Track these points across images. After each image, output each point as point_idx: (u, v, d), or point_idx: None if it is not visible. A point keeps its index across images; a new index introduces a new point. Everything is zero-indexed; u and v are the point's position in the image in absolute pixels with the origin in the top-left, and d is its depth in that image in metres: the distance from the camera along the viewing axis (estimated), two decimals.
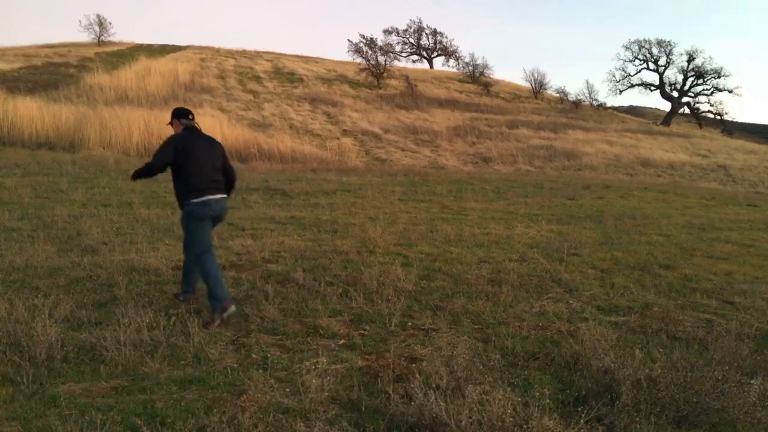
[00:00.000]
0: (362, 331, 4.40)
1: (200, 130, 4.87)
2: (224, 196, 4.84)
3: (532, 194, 13.07)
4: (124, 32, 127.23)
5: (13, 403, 3.19)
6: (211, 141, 4.89)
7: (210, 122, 18.27)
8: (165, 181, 11.58)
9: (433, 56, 54.40)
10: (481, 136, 24.86)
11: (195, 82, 27.81)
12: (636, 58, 43.79)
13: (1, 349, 3.71)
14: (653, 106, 73.98)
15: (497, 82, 43.33)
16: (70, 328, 4.17)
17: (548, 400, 3.14)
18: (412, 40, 54.20)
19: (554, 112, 35.59)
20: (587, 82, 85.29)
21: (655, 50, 42.98)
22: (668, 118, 41.20)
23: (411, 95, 32.00)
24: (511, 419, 2.97)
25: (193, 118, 4.89)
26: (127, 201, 9.39)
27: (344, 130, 23.37)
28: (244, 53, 41.55)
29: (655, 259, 7.13)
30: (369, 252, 6.77)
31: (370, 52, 37.06)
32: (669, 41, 42.67)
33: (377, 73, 35.37)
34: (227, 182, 4.92)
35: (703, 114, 41.91)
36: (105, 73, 26.32)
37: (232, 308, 4.50)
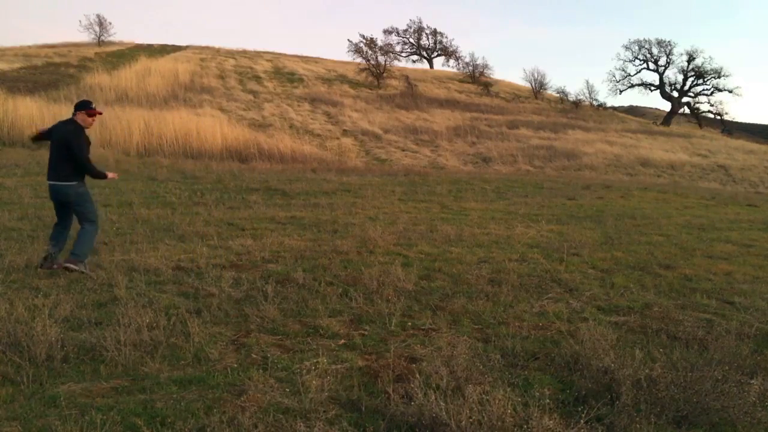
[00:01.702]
0: (362, 331, 4.40)
1: (70, 120, 5.66)
2: (59, 182, 5.59)
3: (532, 194, 13.08)
4: (124, 32, 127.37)
5: (13, 403, 3.20)
6: (60, 131, 5.62)
7: (210, 122, 18.32)
8: (165, 180, 11.65)
9: (433, 56, 54.41)
10: (481, 136, 24.85)
11: (195, 82, 27.81)
12: (636, 58, 43.89)
13: (1, 349, 3.71)
14: (653, 106, 74.01)
15: (497, 82, 43.33)
16: (70, 328, 4.17)
17: (548, 400, 3.14)
18: (412, 40, 54.23)
19: (554, 112, 35.59)
20: (587, 82, 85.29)
21: (655, 50, 43.07)
22: (668, 118, 41.22)
23: (411, 95, 32.00)
24: (511, 419, 2.97)
25: (75, 111, 5.66)
26: (127, 201, 9.39)
27: (344, 130, 23.36)
28: (244, 53, 41.55)
29: (655, 259, 7.13)
30: (369, 252, 6.77)
31: (370, 52, 37.09)
32: (669, 41, 42.80)
33: (377, 73, 35.37)
34: (77, 168, 5.63)
35: (703, 114, 41.95)
36: (105, 73, 26.33)
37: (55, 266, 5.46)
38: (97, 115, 5.79)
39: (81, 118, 5.61)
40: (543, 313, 4.95)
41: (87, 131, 5.69)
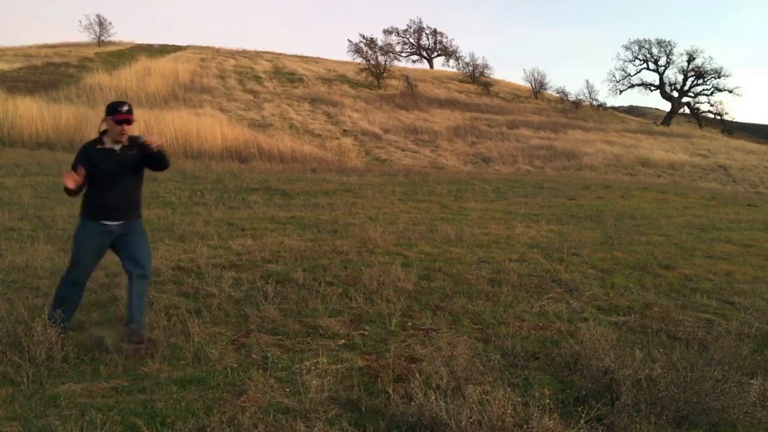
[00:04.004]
0: (362, 331, 4.40)
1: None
2: None
3: (532, 194, 13.07)
4: (124, 32, 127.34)
5: (13, 403, 3.19)
6: None
7: (210, 122, 18.31)
8: (165, 180, 11.65)
9: (433, 56, 54.38)
10: (481, 136, 24.85)
11: (195, 82, 27.80)
12: (636, 58, 43.88)
13: (1, 349, 3.71)
14: (653, 106, 73.91)
15: (497, 82, 43.31)
16: (70, 328, 4.16)
17: (548, 400, 3.14)
18: (412, 40, 54.20)
19: (554, 112, 35.59)
20: (587, 82, 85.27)
21: (655, 50, 43.06)
22: (668, 118, 41.21)
23: (411, 95, 31.99)
24: (511, 419, 2.96)
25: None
26: None
27: (344, 130, 23.36)
28: (244, 53, 41.54)
29: (655, 259, 7.13)
30: (369, 252, 6.77)
31: (370, 52, 37.10)
32: (669, 41, 42.79)
33: (377, 73, 35.36)
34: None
35: (703, 114, 41.94)
36: (105, 73, 26.33)
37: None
38: (128, 123, 4.00)
39: (107, 125, 4.04)
40: (543, 313, 4.95)
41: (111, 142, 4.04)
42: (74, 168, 3.90)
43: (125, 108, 4.00)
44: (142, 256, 4.09)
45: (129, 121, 3.99)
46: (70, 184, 3.82)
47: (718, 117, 41.25)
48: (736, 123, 43.49)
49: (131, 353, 3.80)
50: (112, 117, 3.97)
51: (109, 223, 4.02)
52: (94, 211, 4.03)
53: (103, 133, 4.07)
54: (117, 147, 4.04)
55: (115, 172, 4.01)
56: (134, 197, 4.18)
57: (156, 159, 4.06)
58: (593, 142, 25.25)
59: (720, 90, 41.41)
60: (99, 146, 4.04)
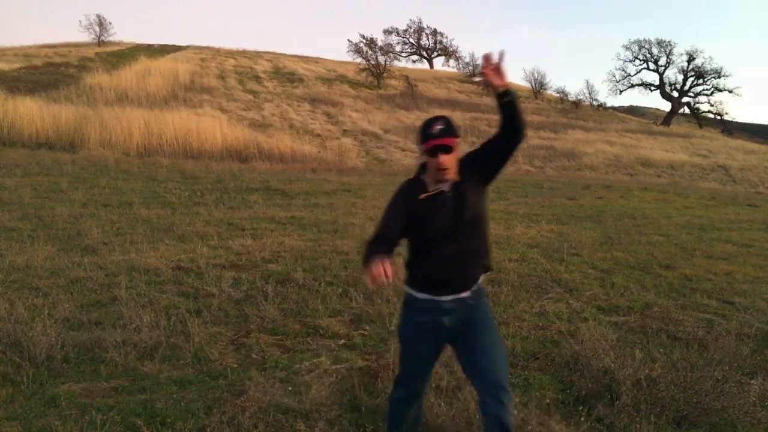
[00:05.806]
0: (362, 331, 4.40)
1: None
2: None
3: (532, 194, 13.07)
4: (124, 32, 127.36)
5: (13, 403, 3.20)
6: None
7: (210, 122, 18.30)
8: (165, 180, 11.64)
9: (433, 56, 54.38)
10: (481, 136, 24.81)
11: (195, 82, 27.80)
12: (636, 58, 43.92)
13: (1, 349, 3.71)
14: (653, 106, 73.93)
15: None
16: (70, 328, 4.17)
17: (548, 400, 3.14)
18: (412, 40, 54.16)
19: (554, 112, 35.59)
20: (587, 82, 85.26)
21: (655, 50, 43.09)
22: (668, 118, 41.23)
23: (411, 95, 31.98)
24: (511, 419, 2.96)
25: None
26: (127, 201, 9.38)
27: (344, 130, 23.36)
28: (244, 53, 41.56)
29: (655, 259, 7.13)
30: None
31: (370, 52, 37.11)
32: (669, 41, 42.83)
33: (377, 73, 35.37)
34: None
35: (703, 114, 41.96)
36: (105, 73, 26.32)
37: None
38: (444, 150, 2.47)
39: (423, 158, 2.58)
40: (543, 313, 4.95)
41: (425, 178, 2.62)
42: (381, 243, 2.59)
43: (437, 128, 2.49)
44: (494, 365, 2.53)
45: (446, 148, 2.49)
46: (374, 284, 2.38)
47: (718, 117, 41.28)
48: (736, 123, 43.49)
49: None
50: (422, 145, 2.54)
51: (441, 298, 2.67)
52: (419, 282, 2.82)
53: (423, 167, 2.64)
54: (446, 186, 2.56)
55: (454, 225, 2.57)
56: (479, 255, 2.67)
57: (508, 113, 2.72)
58: (593, 142, 25.25)
59: (720, 90, 41.47)
60: (423, 195, 2.58)
